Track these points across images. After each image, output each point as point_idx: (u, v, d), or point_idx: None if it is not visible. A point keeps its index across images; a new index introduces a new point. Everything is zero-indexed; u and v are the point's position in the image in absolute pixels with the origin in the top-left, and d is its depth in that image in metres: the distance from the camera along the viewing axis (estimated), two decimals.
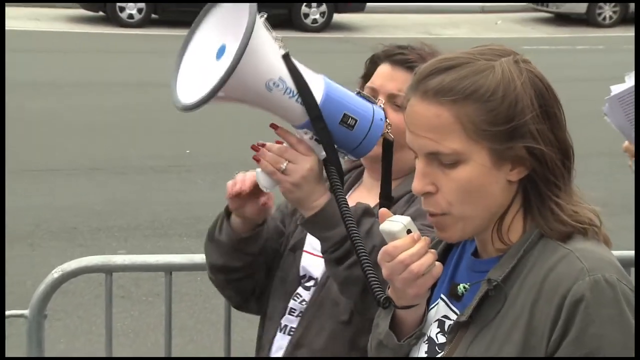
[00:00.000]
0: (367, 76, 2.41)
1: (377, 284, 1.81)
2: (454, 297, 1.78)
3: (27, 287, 3.19)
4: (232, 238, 2.26)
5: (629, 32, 18.95)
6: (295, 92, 1.95)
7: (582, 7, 20.83)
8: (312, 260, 2.34)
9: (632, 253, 2.99)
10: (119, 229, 7.50)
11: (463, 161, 1.65)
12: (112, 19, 18.90)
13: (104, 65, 14.65)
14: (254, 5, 1.88)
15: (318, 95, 1.98)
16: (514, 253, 1.68)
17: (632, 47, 16.28)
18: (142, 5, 19.07)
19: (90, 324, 5.39)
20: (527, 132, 1.64)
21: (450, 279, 1.81)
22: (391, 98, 2.29)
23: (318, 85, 1.99)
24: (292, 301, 2.35)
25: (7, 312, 3.07)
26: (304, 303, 2.33)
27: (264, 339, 2.44)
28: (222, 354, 3.26)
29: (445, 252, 1.85)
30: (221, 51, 1.96)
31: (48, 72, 14.03)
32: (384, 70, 2.35)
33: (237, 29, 1.88)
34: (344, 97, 2.02)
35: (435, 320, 1.79)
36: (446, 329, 1.75)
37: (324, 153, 2.02)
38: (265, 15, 1.93)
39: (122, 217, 7.80)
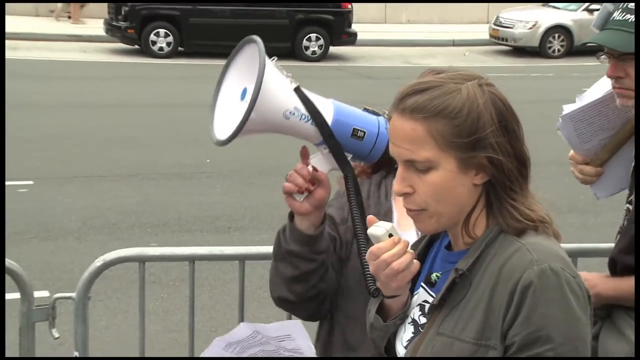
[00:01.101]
0: None
1: (371, 278, 1.83)
2: (429, 284, 1.81)
3: (75, 274, 3.18)
4: (302, 241, 2.08)
5: (574, 62, 19.05)
6: (309, 117, 1.96)
7: (535, 41, 20.89)
8: None
9: (577, 245, 2.99)
10: (150, 225, 7.50)
11: (434, 167, 1.67)
12: (146, 51, 18.90)
13: (138, 89, 14.66)
14: (264, 55, 1.89)
15: (329, 116, 1.98)
16: (477, 246, 1.70)
17: (577, 74, 16.41)
18: (170, 39, 19.10)
19: (127, 304, 5.40)
20: (487, 144, 1.66)
21: (429, 268, 1.83)
22: None
23: (328, 108, 2.00)
24: None
25: (58, 295, 3.06)
26: None
27: (351, 340, 2.20)
28: None
29: (427, 248, 1.87)
30: (244, 93, 1.98)
31: (93, 95, 14.05)
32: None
33: (254, 74, 1.89)
34: (351, 114, 2.03)
35: (417, 305, 1.81)
36: (426, 311, 1.77)
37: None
38: (276, 59, 1.96)
39: (153, 216, 7.80)
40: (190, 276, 3.16)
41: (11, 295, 3.12)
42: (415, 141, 1.67)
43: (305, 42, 19.51)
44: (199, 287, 3.23)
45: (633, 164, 2.65)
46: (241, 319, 3.21)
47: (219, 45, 18.06)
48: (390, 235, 1.75)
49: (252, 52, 1.97)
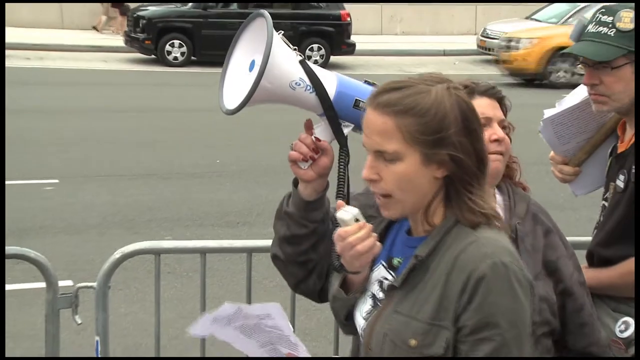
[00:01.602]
0: None
1: (336, 256, 1.86)
2: (390, 266, 1.84)
3: (96, 265, 3.18)
4: (299, 205, 2.02)
5: None
6: (313, 88, 1.94)
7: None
8: None
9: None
10: (165, 220, 7.51)
11: (400, 159, 1.69)
12: (161, 61, 18.93)
13: (154, 95, 14.68)
14: (271, 26, 1.88)
15: (332, 88, 1.96)
16: (435, 234, 1.73)
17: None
18: (184, 49, 19.13)
19: (144, 293, 5.41)
20: (450, 143, 1.67)
21: (389, 249, 1.87)
22: (501, 122, 2.19)
23: (331, 80, 1.97)
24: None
25: (81, 284, 3.07)
26: None
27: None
28: None
29: (386, 230, 1.90)
30: (252, 65, 1.96)
31: (113, 101, 14.07)
32: (486, 102, 2.16)
33: (262, 46, 1.88)
34: (353, 86, 2.00)
35: (376, 280, 1.84)
36: (384, 287, 1.81)
37: (347, 130, 2.01)
38: (282, 33, 1.94)
39: (168, 212, 7.80)
40: (202, 267, 3.17)
41: (38, 285, 3.12)
42: (385, 134, 1.69)
43: (308, 52, 19.52)
44: (209, 277, 3.22)
45: (608, 163, 2.65)
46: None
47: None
48: (357, 220, 1.77)
49: (259, 26, 1.95)
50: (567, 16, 20.38)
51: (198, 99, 14.27)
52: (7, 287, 3.44)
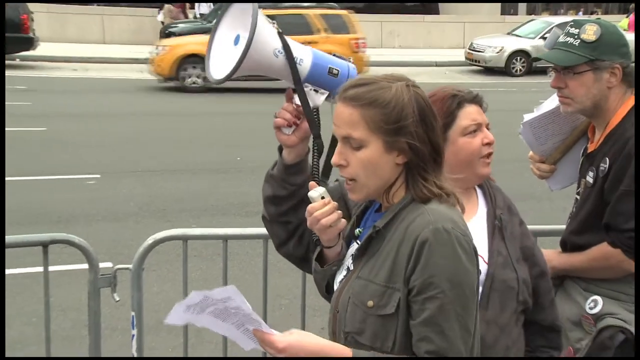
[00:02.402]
0: (452, 115, 2.08)
1: (314, 233, 1.85)
2: (354, 238, 1.84)
3: (132, 249, 3.17)
4: (281, 168, 2.00)
5: (533, 80, 18.91)
6: (285, 55, 1.89)
7: (501, 63, 20.80)
8: None
9: (535, 227, 2.95)
10: (192, 210, 7.50)
11: (365, 146, 1.68)
12: (182, 88, 18.67)
13: (183, 101, 14.66)
14: (255, 4, 1.84)
15: (308, 59, 1.93)
16: (392, 210, 1.72)
17: (535, 89, 16.39)
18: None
19: (174, 274, 5.40)
20: (407, 132, 1.66)
21: (363, 226, 1.86)
22: (487, 125, 2.15)
23: (307, 53, 1.94)
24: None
25: (118, 266, 3.05)
26: None
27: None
28: (261, 295, 3.23)
29: (363, 213, 1.89)
30: (237, 39, 1.92)
31: (147, 106, 14.09)
32: (474, 109, 2.11)
33: (245, 22, 1.84)
34: (326, 57, 1.98)
35: (350, 255, 1.83)
36: (353, 259, 1.80)
37: (322, 98, 1.97)
38: (261, 9, 1.87)
39: (195, 203, 7.79)
40: (224, 252, 3.16)
41: (81, 266, 3.11)
42: (352, 123, 1.68)
43: None
44: (231, 260, 3.22)
45: (580, 162, 2.63)
46: (265, 286, 3.21)
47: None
48: (323, 198, 1.78)
49: (240, 5, 1.92)
50: (544, 32, 20.34)
51: (219, 104, 14.29)
52: (58, 267, 3.46)
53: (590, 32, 2.40)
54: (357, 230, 1.84)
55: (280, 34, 1.89)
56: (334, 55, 2.01)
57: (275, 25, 1.91)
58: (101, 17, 25.67)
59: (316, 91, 1.96)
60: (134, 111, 13.47)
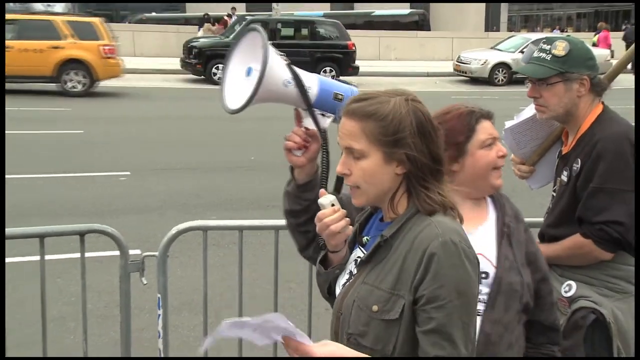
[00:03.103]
0: (472, 129, 2.03)
1: (321, 237, 1.78)
2: (361, 245, 1.75)
3: (158, 238, 3.17)
4: (294, 186, 1.95)
5: (513, 89, 18.84)
6: (296, 85, 1.85)
7: (485, 74, 20.75)
8: None
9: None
10: (211, 204, 7.50)
11: (365, 157, 1.60)
12: (208, 80, 18.80)
13: (203, 106, 14.63)
14: (266, 37, 1.78)
15: (315, 86, 1.87)
16: (399, 220, 1.63)
17: (515, 97, 16.33)
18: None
19: (195, 260, 5.39)
20: (406, 143, 1.58)
21: (366, 234, 1.77)
22: (499, 139, 2.09)
23: (314, 80, 1.88)
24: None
25: (146, 253, 3.05)
26: None
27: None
28: (272, 279, 3.22)
29: (367, 220, 1.80)
30: (249, 71, 1.86)
31: (172, 110, 14.09)
32: (489, 124, 2.06)
33: (256, 54, 1.78)
34: (332, 83, 1.91)
35: (353, 260, 1.75)
36: (357, 264, 1.71)
37: (329, 120, 1.91)
38: (270, 43, 1.81)
39: (213, 197, 7.79)
40: (239, 241, 3.14)
41: (114, 253, 3.11)
42: (353, 135, 1.60)
43: (322, 74, 19.46)
44: (245, 249, 3.20)
45: (556, 163, 2.63)
46: (276, 272, 3.20)
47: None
48: (333, 205, 1.70)
49: (251, 38, 1.85)
50: (522, 47, 20.30)
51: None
52: (93, 254, 3.45)
53: (560, 48, 2.40)
54: (365, 238, 1.75)
55: (289, 66, 1.85)
56: (338, 80, 1.94)
57: (285, 57, 1.86)
58: (131, 33, 25.75)
59: (323, 115, 1.91)
60: (159, 115, 13.47)
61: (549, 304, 2.11)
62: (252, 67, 1.84)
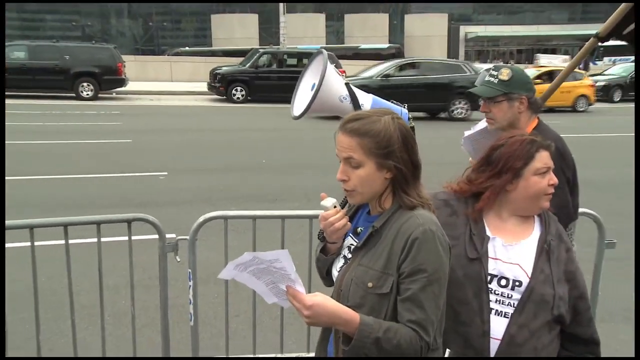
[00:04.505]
0: (531, 157, 1.88)
1: (320, 231, 1.74)
2: (355, 234, 1.72)
3: (189, 225, 3.14)
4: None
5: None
6: (351, 101, 1.80)
7: None
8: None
9: None
10: (230, 198, 7.44)
11: (362, 166, 1.57)
12: (229, 99, 18.81)
13: (225, 121, 14.59)
14: (327, 58, 1.74)
15: (368, 103, 1.80)
16: (387, 214, 1.61)
17: (475, 113, 16.25)
18: (244, 92, 19.01)
19: (217, 243, 5.23)
20: (394, 156, 1.56)
21: (355, 224, 1.75)
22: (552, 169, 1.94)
23: (367, 99, 1.83)
24: None
25: (179, 237, 3.02)
26: None
27: (463, 318, 1.80)
28: None
29: (355, 213, 1.77)
30: (312, 86, 1.82)
31: (200, 124, 14.00)
32: (546, 155, 1.89)
33: (320, 72, 1.75)
34: (383, 103, 1.85)
35: (346, 247, 1.72)
36: (351, 250, 1.69)
37: None
38: (335, 64, 1.78)
39: (232, 192, 7.73)
40: (253, 227, 3.14)
41: (154, 237, 3.08)
42: (351, 149, 1.58)
43: None
44: (258, 234, 3.18)
45: None
46: None
47: (272, 96, 18.36)
48: (335, 207, 1.68)
49: (319, 60, 1.80)
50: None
51: (252, 123, 14.23)
52: (138, 237, 3.41)
53: (505, 74, 2.46)
54: (359, 229, 1.72)
55: (347, 84, 1.80)
56: (391, 101, 1.88)
57: (344, 77, 1.79)
58: (169, 63, 25.80)
59: None
60: (190, 127, 13.39)
61: (587, 320, 1.90)
62: (315, 83, 1.80)
